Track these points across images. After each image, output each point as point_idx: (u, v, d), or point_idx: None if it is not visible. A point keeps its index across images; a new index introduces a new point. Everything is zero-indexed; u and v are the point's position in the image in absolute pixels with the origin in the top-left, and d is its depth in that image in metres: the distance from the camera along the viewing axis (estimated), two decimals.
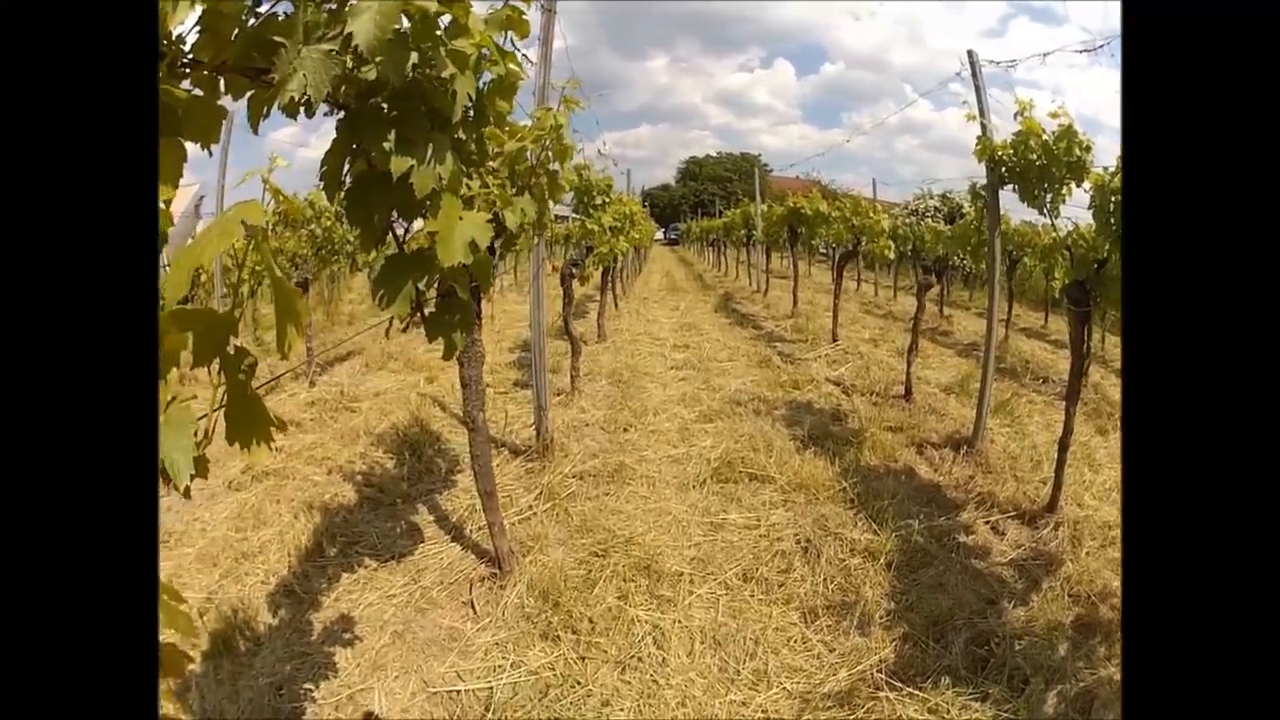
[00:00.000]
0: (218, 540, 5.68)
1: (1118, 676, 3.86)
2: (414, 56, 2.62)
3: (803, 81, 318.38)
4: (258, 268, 11.13)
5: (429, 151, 2.78)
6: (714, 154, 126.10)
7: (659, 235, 66.54)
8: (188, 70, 2.28)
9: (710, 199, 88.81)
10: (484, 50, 2.97)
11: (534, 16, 3.24)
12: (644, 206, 18.92)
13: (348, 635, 4.44)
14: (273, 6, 2.35)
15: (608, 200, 9.69)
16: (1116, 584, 4.72)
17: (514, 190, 3.86)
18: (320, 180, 3.08)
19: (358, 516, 6.08)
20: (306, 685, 4.02)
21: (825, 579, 5.08)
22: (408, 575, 5.15)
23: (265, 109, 2.50)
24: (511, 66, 3.25)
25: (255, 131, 2.54)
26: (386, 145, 2.74)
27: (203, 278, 12.55)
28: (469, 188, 3.33)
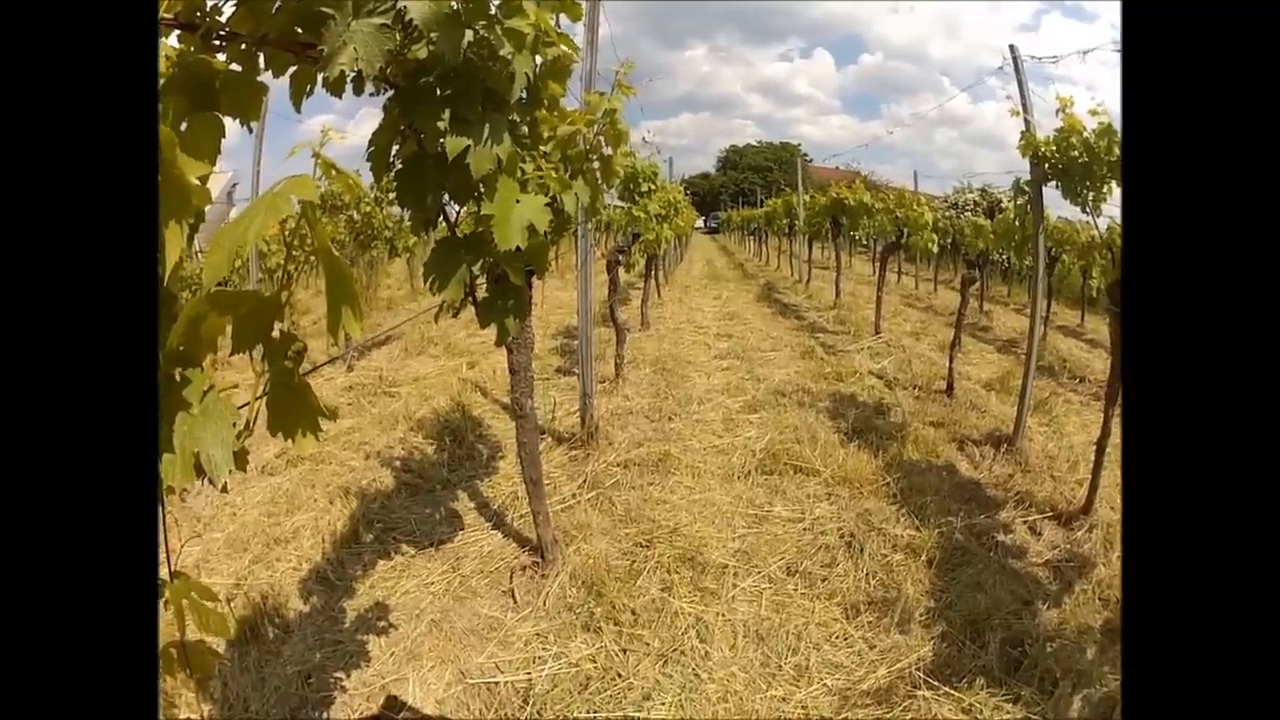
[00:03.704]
0: (249, 525, 5.69)
1: None
2: (469, 35, 2.56)
3: (842, 72, 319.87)
4: (295, 251, 11.22)
5: (485, 131, 2.74)
6: (754, 143, 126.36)
7: (699, 224, 66.71)
8: (224, 43, 2.23)
9: (750, 188, 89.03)
10: (540, 31, 2.91)
11: (580, 2, 3.18)
12: (685, 195, 18.98)
13: (382, 623, 4.42)
14: None
15: (653, 187, 9.64)
16: None
17: (567, 175, 3.81)
18: (367, 160, 3.05)
19: (395, 503, 6.08)
20: (337, 674, 4.00)
21: (868, 574, 5.06)
22: (446, 563, 5.13)
23: (309, 86, 2.46)
24: (565, 48, 3.21)
25: (298, 109, 2.52)
26: (440, 125, 2.70)
27: (237, 262, 12.60)
28: (523, 171, 3.28)
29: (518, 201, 2.99)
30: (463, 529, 5.62)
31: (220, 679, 3.89)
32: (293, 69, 2.44)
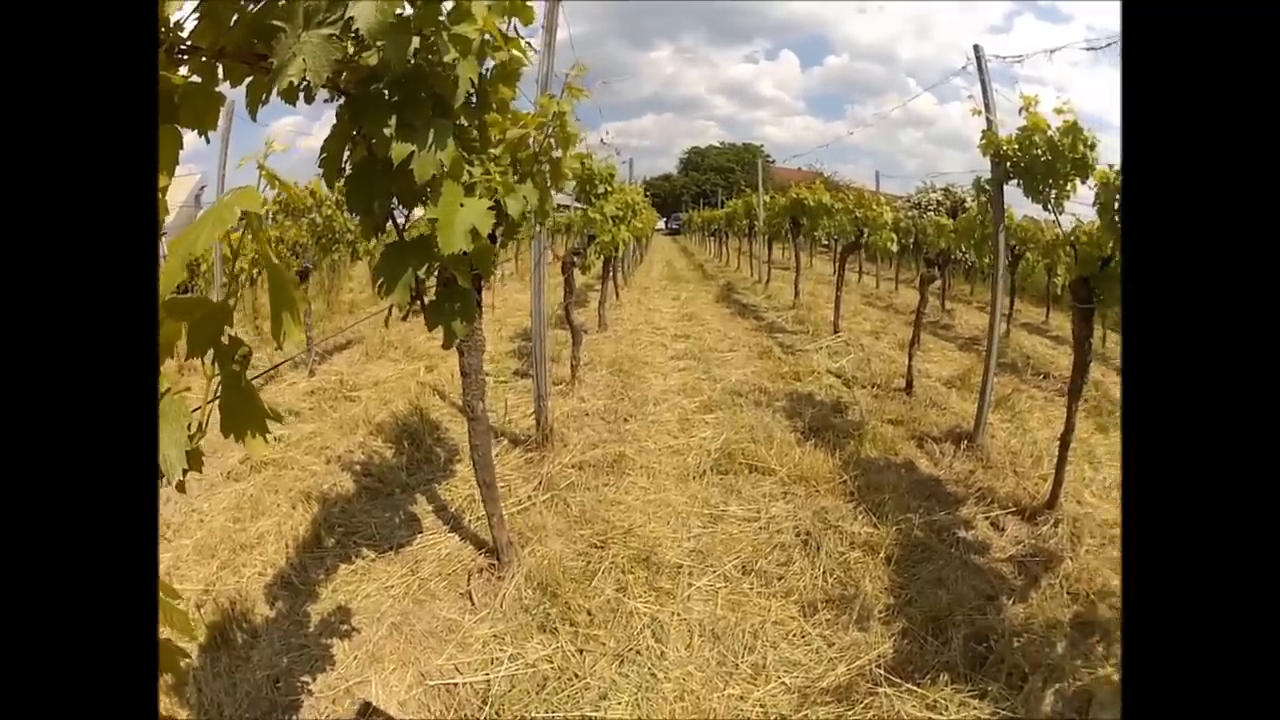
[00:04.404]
0: (216, 531, 5.67)
1: (1115, 676, 3.85)
2: (416, 41, 2.60)
3: (807, 74, 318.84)
4: (257, 256, 11.21)
5: (430, 137, 2.77)
6: (717, 144, 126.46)
7: (660, 225, 66.66)
8: (185, 57, 2.26)
9: (712, 189, 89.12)
10: (487, 36, 2.94)
11: (538, 4, 3.22)
12: (645, 196, 18.94)
13: (345, 627, 4.44)
14: None
15: (610, 189, 9.66)
16: (1115, 582, 4.74)
17: (516, 178, 3.84)
18: (319, 166, 3.07)
19: (356, 506, 6.07)
20: (304, 678, 4.02)
21: (825, 572, 5.08)
22: (406, 566, 5.14)
23: (265, 95, 2.50)
24: (514, 52, 3.24)
25: (254, 118, 2.54)
26: (387, 131, 2.73)
27: (203, 267, 12.54)
28: (470, 174, 3.31)
29: (462, 205, 3.02)
30: (421, 532, 5.63)
31: (195, 685, 3.91)
32: (249, 79, 2.49)
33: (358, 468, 6.81)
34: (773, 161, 56.88)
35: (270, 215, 11.28)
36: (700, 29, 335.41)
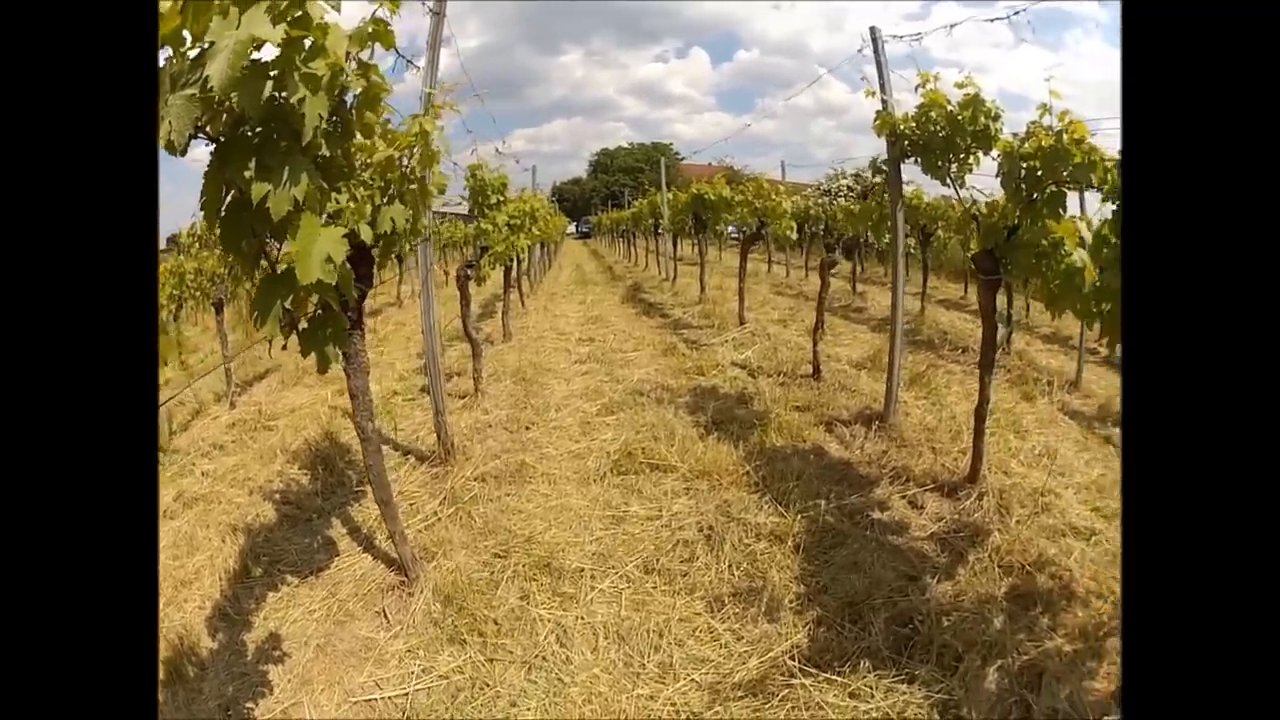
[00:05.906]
0: (160, 570, 5.62)
1: (1066, 648, 3.90)
2: (270, 86, 2.70)
3: (717, 70, 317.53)
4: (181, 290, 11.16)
5: (285, 175, 2.85)
6: (626, 145, 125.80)
7: (571, 229, 66.39)
8: None
9: (620, 190, 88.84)
10: (349, 66, 3.04)
11: (421, 22, 3.32)
12: (553, 201, 18.86)
13: (277, 653, 4.48)
14: None
15: (503, 199, 9.72)
16: (1052, 551, 4.79)
17: (385, 199, 3.96)
18: (200, 210, 3.15)
19: (278, 535, 6.08)
20: (248, 705, 4.07)
21: (730, 565, 5.12)
22: (326, 589, 5.18)
23: None
24: (374, 79, 3.33)
25: None
26: (248, 173, 2.81)
27: None
28: (337, 202, 3.40)
29: (320, 236, 3.12)
30: (338, 554, 5.66)
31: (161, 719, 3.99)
32: None
33: (277, 496, 6.80)
34: (682, 159, 56.74)
35: (186, 248, 11.31)
36: (610, 32, 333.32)
